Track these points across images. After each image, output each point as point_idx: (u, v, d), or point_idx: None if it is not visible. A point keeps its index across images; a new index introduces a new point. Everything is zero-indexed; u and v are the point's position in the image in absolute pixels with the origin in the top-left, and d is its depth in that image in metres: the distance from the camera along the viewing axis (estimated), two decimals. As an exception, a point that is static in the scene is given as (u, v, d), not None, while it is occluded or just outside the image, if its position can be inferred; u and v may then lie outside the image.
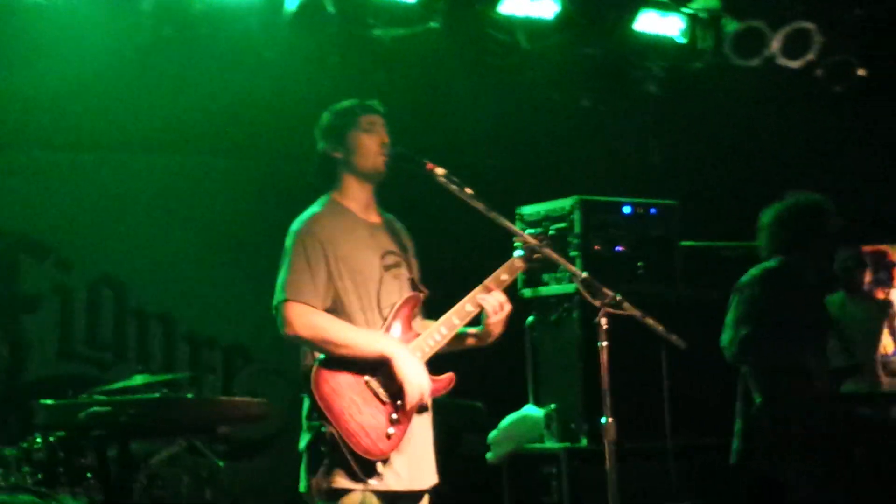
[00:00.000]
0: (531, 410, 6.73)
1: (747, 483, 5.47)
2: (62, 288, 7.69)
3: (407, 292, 4.43)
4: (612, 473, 4.26)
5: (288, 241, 4.33)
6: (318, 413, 4.15)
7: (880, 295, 7.82)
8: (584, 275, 4.38)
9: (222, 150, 8.01)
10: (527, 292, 6.79)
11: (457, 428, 7.06)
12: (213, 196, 8.00)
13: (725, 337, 5.43)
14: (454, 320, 4.38)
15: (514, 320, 4.51)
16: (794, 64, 7.63)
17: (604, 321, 4.28)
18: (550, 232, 4.85)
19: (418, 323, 4.46)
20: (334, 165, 4.45)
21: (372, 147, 4.40)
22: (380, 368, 4.22)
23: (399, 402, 4.20)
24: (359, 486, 4.13)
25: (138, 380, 6.22)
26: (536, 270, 4.77)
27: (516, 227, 4.63)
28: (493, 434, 6.79)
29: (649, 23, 7.54)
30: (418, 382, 4.20)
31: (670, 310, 5.10)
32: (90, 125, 7.46)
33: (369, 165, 4.41)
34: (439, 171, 4.39)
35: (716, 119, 8.05)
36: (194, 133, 7.73)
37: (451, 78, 7.66)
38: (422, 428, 4.35)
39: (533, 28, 7.18)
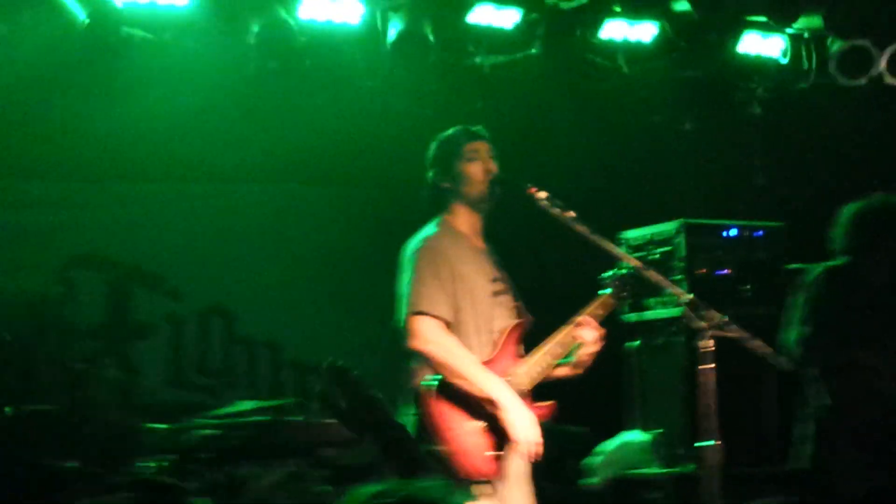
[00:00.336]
0: (635, 435, 6.67)
1: (821, 487, 5.27)
2: (173, 317, 7.84)
3: (514, 318, 4.46)
4: (716, 496, 4.22)
5: (410, 258, 4.36)
6: (426, 433, 4.18)
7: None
8: (690, 297, 4.36)
9: (326, 180, 8.09)
10: (631, 317, 6.75)
11: (561, 453, 7.03)
12: (317, 225, 8.09)
13: (789, 337, 5.27)
14: (558, 349, 4.40)
15: (612, 345, 4.52)
16: (902, 82, 7.50)
17: (710, 343, 4.26)
18: (655, 255, 4.87)
19: (521, 350, 4.49)
20: (444, 194, 4.50)
21: (477, 175, 4.45)
22: (492, 403, 4.25)
23: (505, 448, 4.22)
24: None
25: (246, 405, 6.31)
26: (631, 298, 4.77)
27: (620, 251, 4.63)
28: (596, 459, 6.76)
29: (752, 44, 7.47)
30: (525, 436, 4.22)
31: (777, 333, 5.04)
32: (198, 157, 7.60)
33: (475, 193, 4.46)
34: (542, 194, 4.42)
35: (821, 140, 7.92)
36: (298, 163, 7.84)
37: (552, 103, 7.65)
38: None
39: (633, 52, 7.16)
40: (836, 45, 7.49)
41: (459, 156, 4.48)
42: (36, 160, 7.27)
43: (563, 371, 4.52)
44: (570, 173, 7.84)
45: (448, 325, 4.28)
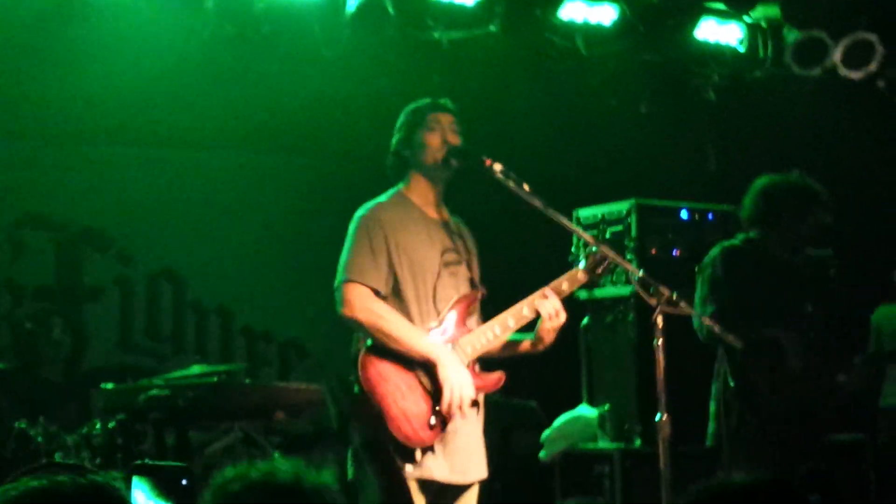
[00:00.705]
0: (584, 410, 6.73)
1: (724, 467, 5.19)
2: (123, 280, 7.80)
3: (464, 290, 4.48)
4: (667, 470, 4.27)
5: (351, 226, 4.40)
6: (365, 398, 4.20)
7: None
8: (641, 273, 4.41)
9: (281, 148, 8.08)
10: (582, 294, 6.79)
11: (510, 426, 7.08)
12: (272, 193, 8.08)
13: (696, 320, 5.20)
14: (509, 322, 4.42)
15: (568, 322, 4.54)
16: (856, 75, 7.58)
17: (659, 319, 4.31)
18: (607, 235, 4.90)
19: (474, 322, 4.51)
20: (404, 162, 4.53)
21: (434, 144, 4.47)
22: (428, 364, 4.27)
23: (439, 405, 4.25)
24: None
25: (196, 369, 6.30)
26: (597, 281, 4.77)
27: (574, 226, 4.67)
28: (546, 433, 6.81)
29: (709, 31, 7.53)
30: (459, 389, 4.24)
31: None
32: (152, 121, 7.55)
33: (430, 161, 4.47)
34: (497, 166, 4.45)
35: (774, 128, 8.01)
36: (254, 130, 7.81)
37: (509, 81, 7.67)
38: (471, 423, 4.39)
39: (592, 34, 7.18)
40: (792, 35, 7.56)
41: (421, 125, 4.50)
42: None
43: (523, 347, 4.55)
44: (526, 150, 7.86)
45: (379, 294, 4.30)
